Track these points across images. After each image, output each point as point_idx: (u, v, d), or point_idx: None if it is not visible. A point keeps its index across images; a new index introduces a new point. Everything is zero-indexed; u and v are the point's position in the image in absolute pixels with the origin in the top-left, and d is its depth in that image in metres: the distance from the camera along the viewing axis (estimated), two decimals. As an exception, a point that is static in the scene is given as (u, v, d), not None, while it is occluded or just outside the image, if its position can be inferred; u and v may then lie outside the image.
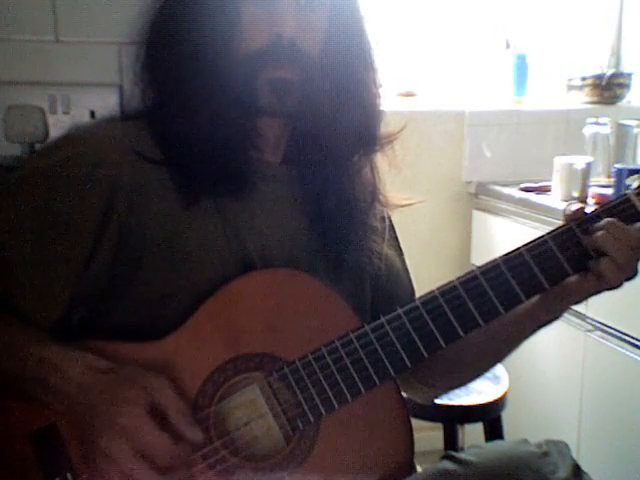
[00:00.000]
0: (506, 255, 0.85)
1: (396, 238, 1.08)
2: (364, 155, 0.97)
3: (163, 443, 0.75)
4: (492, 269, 0.84)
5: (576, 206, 0.86)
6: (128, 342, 0.84)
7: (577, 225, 0.84)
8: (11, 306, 0.84)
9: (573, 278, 0.84)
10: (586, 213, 0.85)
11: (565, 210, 0.86)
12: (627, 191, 0.85)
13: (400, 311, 0.85)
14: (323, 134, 0.93)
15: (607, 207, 0.85)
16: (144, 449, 0.74)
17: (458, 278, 0.85)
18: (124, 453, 0.74)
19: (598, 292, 0.85)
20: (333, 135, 0.93)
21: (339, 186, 0.95)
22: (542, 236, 0.85)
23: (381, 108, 0.96)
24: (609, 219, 0.83)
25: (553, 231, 0.85)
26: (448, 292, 0.85)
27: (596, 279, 0.83)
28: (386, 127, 0.97)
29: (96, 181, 0.84)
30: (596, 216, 0.84)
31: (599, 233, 0.82)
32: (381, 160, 0.99)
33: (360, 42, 0.94)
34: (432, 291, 0.85)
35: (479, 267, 0.85)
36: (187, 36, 0.87)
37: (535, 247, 0.84)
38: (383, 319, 0.85)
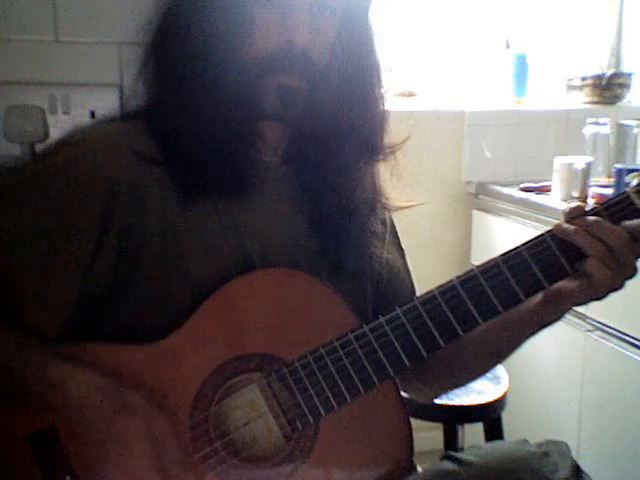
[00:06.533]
0: (505, 254, 0.84)
1: (397, 239, 1.08)
2: (366, 162, 0.97)
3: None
4: (491, 268, 0.84)
5: (575, 204, 0.85)
6: (128, 343, 0.84)
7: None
8: (16, 314, 0.84)
9: (573, 282, 0.83)
10: (586, 211, 0.85)
11: (565, 209, 0.86)
12: (627, 189, 0.85)
13: (399, 311, 0.85)
14: (325, 140, 0.93)
15: (606, 205, 0.84)
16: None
17: (457, 277, 0.85)
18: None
19: (600, 296, 0.83)
20: (335, 142, 0.93)
21: (339, 189, 0.95)
22: (541, 234, 0.84)
23: (385, 117, 0.96)
24: (593, 218, 0.82)
25: (552, 230, 0.85)
26: (447, 291, 0.84)
27: (586, 280, 0.82)
28: (390, 136, 0.97)
29: (96, 183, 0.84)
30: (595, 214, 0.84)
31: (579, 232, 0.81)
32: (383, 166, 1.00)
33: (368, 52, 0.94)
34: (431, 291, 0.85)
35: (478, 266, 0.85)
36: (197, 36, 0.87)
37: (534, 246, 0.84)
38: (382, 319, 0.85)
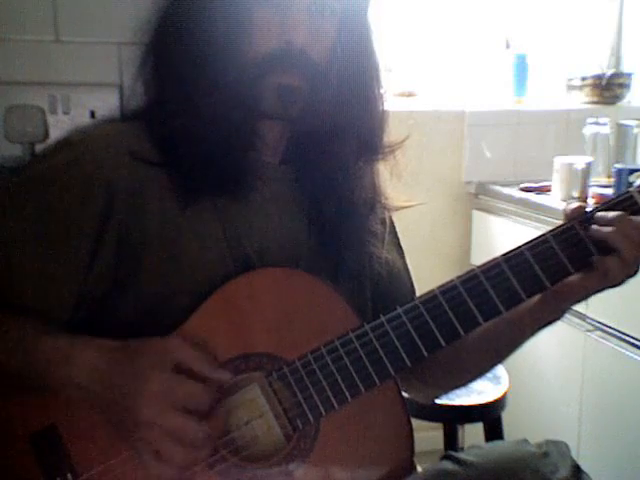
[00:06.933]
0: (507, 254, 0.84)
1: (397, 239, 1.08)
2: (366, 162, 0.97)
3: (199, 391, 0.77)
4: (492, 268, 0.84)
5: (576, 204, 0.86)
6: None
7: (579, 223, 0.84)
8: (18, 311, 0.84)
9: (575, 276, 0.84)
10: (586, 211, 0.85)
11: (565, 209, 0.86)
12: (630, 188, 0.85)
13: (400, 310, 0.85)
14: (325, 140, 0.93)
15: (609, 204, 0.84)
16: (183, 403, 0.76)
17: (458, 277, 0.85)
18: (167, 414, 0.75)
19: (600, 290, 0.84)
20: (334, 142, 0.93)
21: (339, 189, 0.95)
22: (543, 234, 0.84)
23: (385, 117, 0.96)
24: (619, 213, 0.82)
25: (554, 229, 0.85)
26: (448, 291, 0.84)
27: (600, 276, 0.82)
28: (389, 136, 0.97)
29: (95, 183, 0.84)
30: (597, 213, 0.84)
31: (608, 229, 0.82)
32: (383, 165, 1.00)
33: (367, 52, 0.94)
34: (432, 290, 0.85)
35: (479, 266, 0.85)
36: (196, 36, 0.87)
37: (536, 245, 0.84)
38: (383, 318, 0.85)
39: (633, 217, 0.82)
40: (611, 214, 0.83)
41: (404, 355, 0.85)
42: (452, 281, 0.85)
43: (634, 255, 0.81)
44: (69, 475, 0.80)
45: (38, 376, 0.80)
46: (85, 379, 0.78)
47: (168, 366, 0.77)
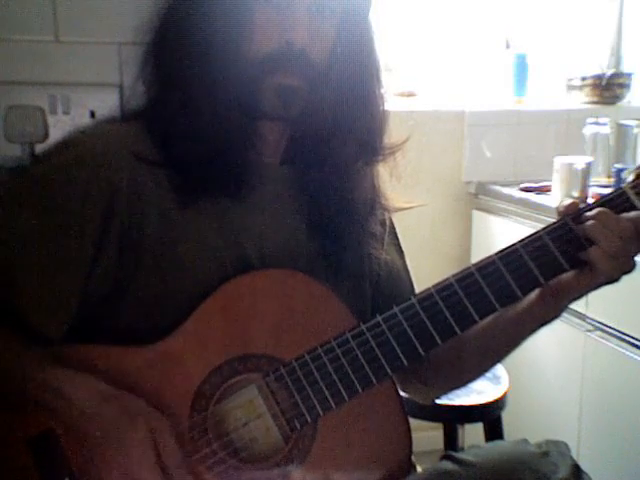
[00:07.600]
0: (501, 251, 0.84)
1: (397, 240, 1.08)
2: (366, 162, 0.97)
3: None
4: (488, 265, 0.84)
5: (569, 201, 0.86)
6: (127, 344, 0.84)
7: (572, 219, 0.84)
8: (18, 316, 0.83)
9: (570, 273, 0.84)
10: (580, 208, 0.85)
11: (558, 206, 0.86)
12: (623, 185, 0.85)
13: (396, 309, 0.85)
14: (324, 141, 0.93)
15: (603, 201, 0.84)
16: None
17: (454, 275, 0.85)
18: None
19: (596, 286, 0.84)
20: (334, 143, 0.93)
21: (339, 189, 0.95)
22: (537, 231, 0.85)
23: (385, 117, 0.96)
24: (600, 208, 0.83)
25: (548, 226, 0.85)
26: (444, 289, 0.84)
27: (590, 270, 0.82)
28: (389, 137, 0.97)
29: (96, 184, 0.84)
30: (590, 210, 0.84)
31: (589, 222, 0.82)
32: (383, 167, 1.00)
33: (368, 52, 0.94)
34: (428, 289, 0.85)
35: (475, 264, 0.85)
36: (197, 36, 0.87)
37: (530, 242, 0.84)
38: (379, 318, 0.85)
39: (612, 212, 0.82)
40: (593, 210, 0.83)
41: (401, 354, 0.84)
42: (447, 279, 0.85)
43: (614, 246, 0.81)
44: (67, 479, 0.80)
45: (28, 403, 0.80)
46: (74, 417, 0.78)
47: (152, 454, 0.77)
